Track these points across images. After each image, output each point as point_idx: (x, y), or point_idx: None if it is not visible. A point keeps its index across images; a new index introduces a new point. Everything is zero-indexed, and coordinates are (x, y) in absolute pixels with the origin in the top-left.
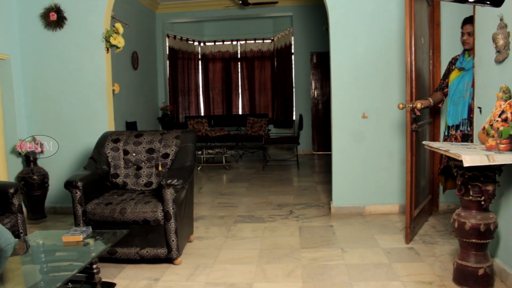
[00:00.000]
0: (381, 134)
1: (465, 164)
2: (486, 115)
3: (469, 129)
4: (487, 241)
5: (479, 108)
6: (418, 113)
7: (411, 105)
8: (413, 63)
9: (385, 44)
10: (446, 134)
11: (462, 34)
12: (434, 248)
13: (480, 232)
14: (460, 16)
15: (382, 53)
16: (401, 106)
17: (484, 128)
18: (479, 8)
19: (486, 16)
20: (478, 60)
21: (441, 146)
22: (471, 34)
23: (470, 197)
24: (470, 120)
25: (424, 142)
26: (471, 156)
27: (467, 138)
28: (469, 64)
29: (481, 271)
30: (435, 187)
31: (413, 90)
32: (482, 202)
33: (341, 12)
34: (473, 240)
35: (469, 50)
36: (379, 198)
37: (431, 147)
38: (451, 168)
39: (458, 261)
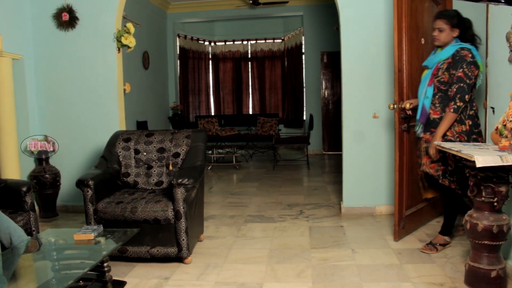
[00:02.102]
0: (392, 134)
1: (478, 165)
2: (499, 115)
3: (419, 131)
4: (500, 243)
5: (492, 108)
6: (409, 113)
7: (399, 105)
8: (404, 62)
9: None
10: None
11: (433, 29)
12: (446, 249)
13: (493, 233)
14: (473, 16)
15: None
16: (391, 106)
17: (497, 128)
18: (493, 7)
19: (500, 15)
20: (491, 59)
21: (453, 147)
22: (442, 30)
23: (483, 198)
24: (424, 123)
25: (436, 142)
26: (484, 157)
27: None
28: (432, 62)
29: (493, 273)
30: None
31: (404, 90)
32: (495, 203)
33: (352, 12)
34: (486, 242)
35: (439, 46)
36: (389, 198)
37: (442, 147)
38: (433, 177)
39: (470, 263)
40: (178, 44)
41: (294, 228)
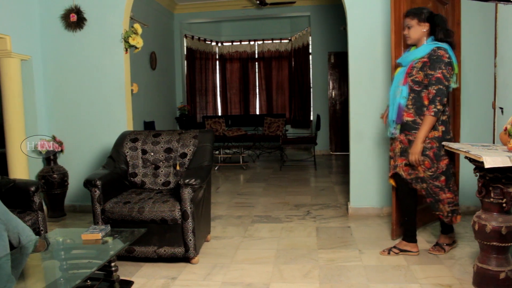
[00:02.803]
0: None
1: (486, 166)
2: (507, 115)
3: (394, 132)
4: (509, 244)
5: (501, 108)
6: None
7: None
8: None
9: None
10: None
11: (404, 27)
12: (453, 250)
13: (502, 235)
14: (481, 15)
15: None
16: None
17: (506, 129)
18: (502, 6)
19: (509, 14)
20: (500, 59)
21: (461, 147)
22: (410, 26)
23: (491, 199)
24: (401, 123)
25: (444, 143)
26: (493, 158)
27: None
28: (406, 59)
29: (502, 275)
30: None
31: None
32: (504, 205)
33: (359, 12)
34: (494, 243)
35: (411, 45)
36: None
37: (451, 148)
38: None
39: (479, 264)
40: (185, 44)
41: (301, 229)
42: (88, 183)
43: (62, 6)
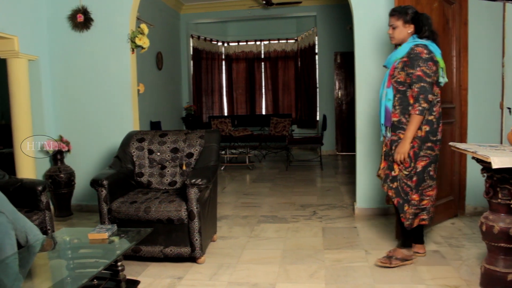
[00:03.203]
0: None
1: (494, 166)
2: None
3: (389, 135)
4: None
5: (509, 108)
6: None
7: None
8: None
9: None
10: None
11: (388, 27)
12: (461, 251)
13: (509, 236)
14: (488, 15)
15: None
16: None
17: None
18: (510, 6)
19: None
20: (508, 59)
21: (469, 148)
22: (395, 27)
23: (499, 200)
24: (390, 126)
25: (450, 143)
26: (500, 158)
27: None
28: (389, 61)
29: (510, 277)
30: (461, 189)
31: None
32: None
33: (365, 11)
34: (502, 244)
35: (396, 45)
36: None
37: (457, 148)
38: None
39: (486, 266)
40: (191, 44)
41: (307, 229)
42: (95, 183)
43: (69, 7)
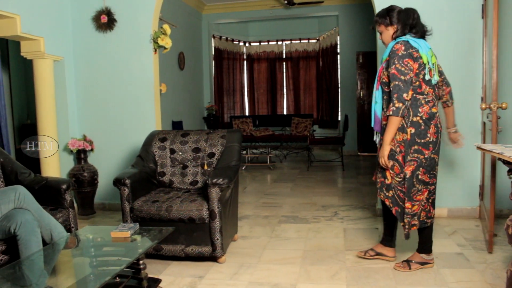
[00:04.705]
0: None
1: None
2: None
3: (378, 140)
4: None
5: None
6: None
7: (497, 105)
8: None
9: (436, 44)
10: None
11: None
12: (486, 254)
13: None
14: None
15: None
16: (483, 106)
17: None
18: None
19: None
20: None
21: (494, 149)
22: (381, 32)
23: None
24: (379, 130)
25: (475, 144)
26: None
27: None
28: (380, 63)
29: None
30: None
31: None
32: None
33: None
34: None
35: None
36: None
37: (483, 149)
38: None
39: None
40: (213, 44)
41: (329, 230)
42: (118, 182)
43: (93, 8)
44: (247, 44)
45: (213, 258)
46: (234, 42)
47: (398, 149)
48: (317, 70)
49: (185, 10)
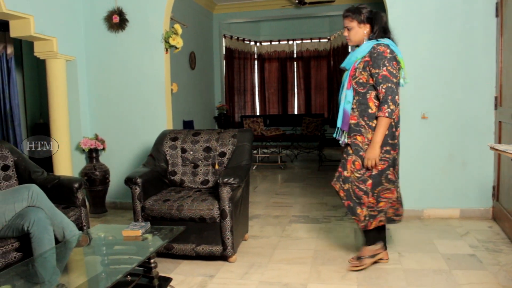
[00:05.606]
0: (441, 136)
1: None
2: None
3: (343, 140)
4: None
5: None
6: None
7: None
8: None
9: (449, 43)
10: None
11: (344, 29)
12: (499, 256)
13: None
14: None
15: (445, 52)
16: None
17: None
18: None
19: None
20: None
21: (508, 149)
22: (350, 28)
23: None
24: (352, 129)
25: (489, 144)
26: None
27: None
28: (349, 62)
29: None
30: (499, 191)
31: None
32: None
33: (401, 10)
34: None
35: (353, 47)
36: (438, 201)
37: (497, 149)
38: None
39: None
40: (224, 44)
41: (339, 230)
42: (129, 181)
43: (105, 8)
44: (258, 44)
45: (223, 257)
46: (245, 42)
47: (365, 146)
48: (328, 70)
49: (196, 10)
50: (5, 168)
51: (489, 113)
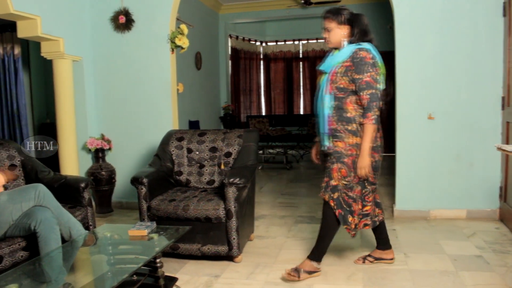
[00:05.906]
0: (447, 136)
1: None
2: None
3: (330, 146)
4: None
5: None
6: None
7: None
8: None
9: (456, 42)
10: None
11: (323, 30)
12: (506, 257)
13: None
14: None
15: (452, 52)
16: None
17: None
18: None
19: None
20: None
21: None
22: (329, 30)
23: None
24: (333, 134)
25: (496, 145)
26: None
27: (327, 157)
28: (328, 65)
29: None
30: (507, 192)
31: None
32: None
33: (407, 10)
34: None
35: (333, 48)
36: (444, 202)
37: (504, 150)
38: None
39: None
40: (229, 44)
41: (345, 230)
42: (135, 181)
43: (111, 9)
44: (263, 44)
45: (229, 257)
46: (251, 42)
47: (348, 152)
48: None
49: (202, 10)
50: (12, 167)
51: (496, 114)
